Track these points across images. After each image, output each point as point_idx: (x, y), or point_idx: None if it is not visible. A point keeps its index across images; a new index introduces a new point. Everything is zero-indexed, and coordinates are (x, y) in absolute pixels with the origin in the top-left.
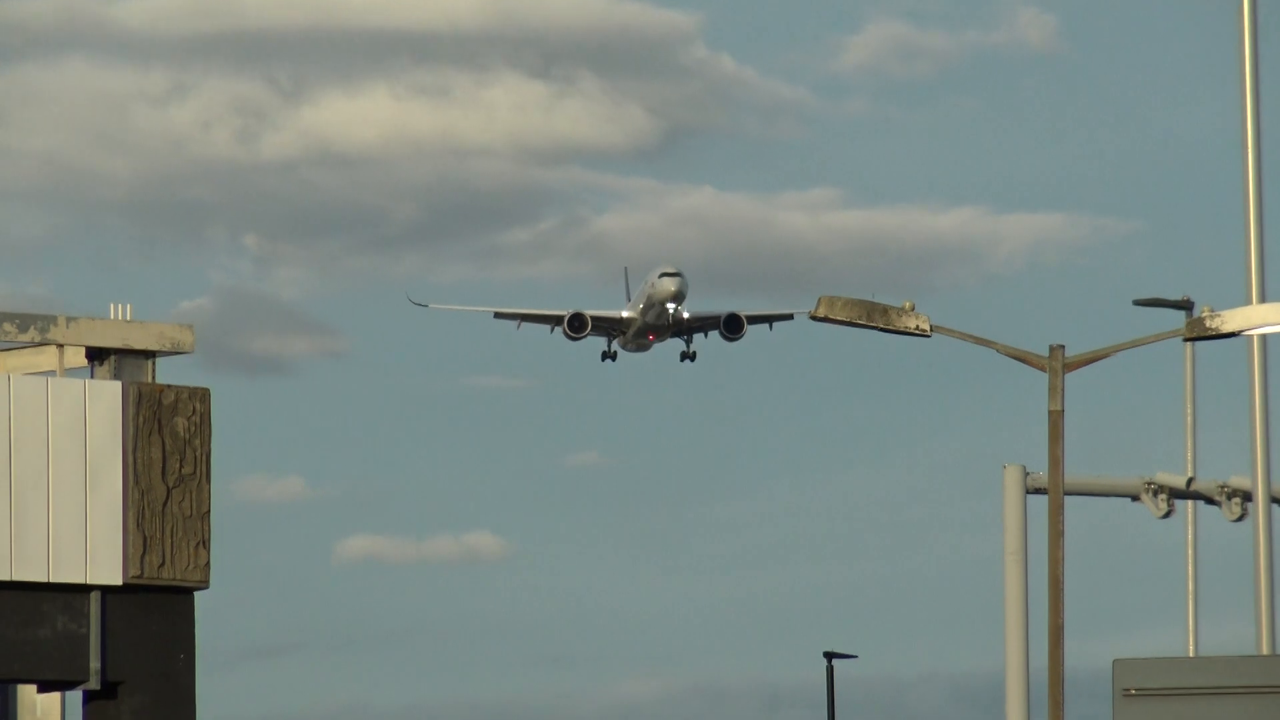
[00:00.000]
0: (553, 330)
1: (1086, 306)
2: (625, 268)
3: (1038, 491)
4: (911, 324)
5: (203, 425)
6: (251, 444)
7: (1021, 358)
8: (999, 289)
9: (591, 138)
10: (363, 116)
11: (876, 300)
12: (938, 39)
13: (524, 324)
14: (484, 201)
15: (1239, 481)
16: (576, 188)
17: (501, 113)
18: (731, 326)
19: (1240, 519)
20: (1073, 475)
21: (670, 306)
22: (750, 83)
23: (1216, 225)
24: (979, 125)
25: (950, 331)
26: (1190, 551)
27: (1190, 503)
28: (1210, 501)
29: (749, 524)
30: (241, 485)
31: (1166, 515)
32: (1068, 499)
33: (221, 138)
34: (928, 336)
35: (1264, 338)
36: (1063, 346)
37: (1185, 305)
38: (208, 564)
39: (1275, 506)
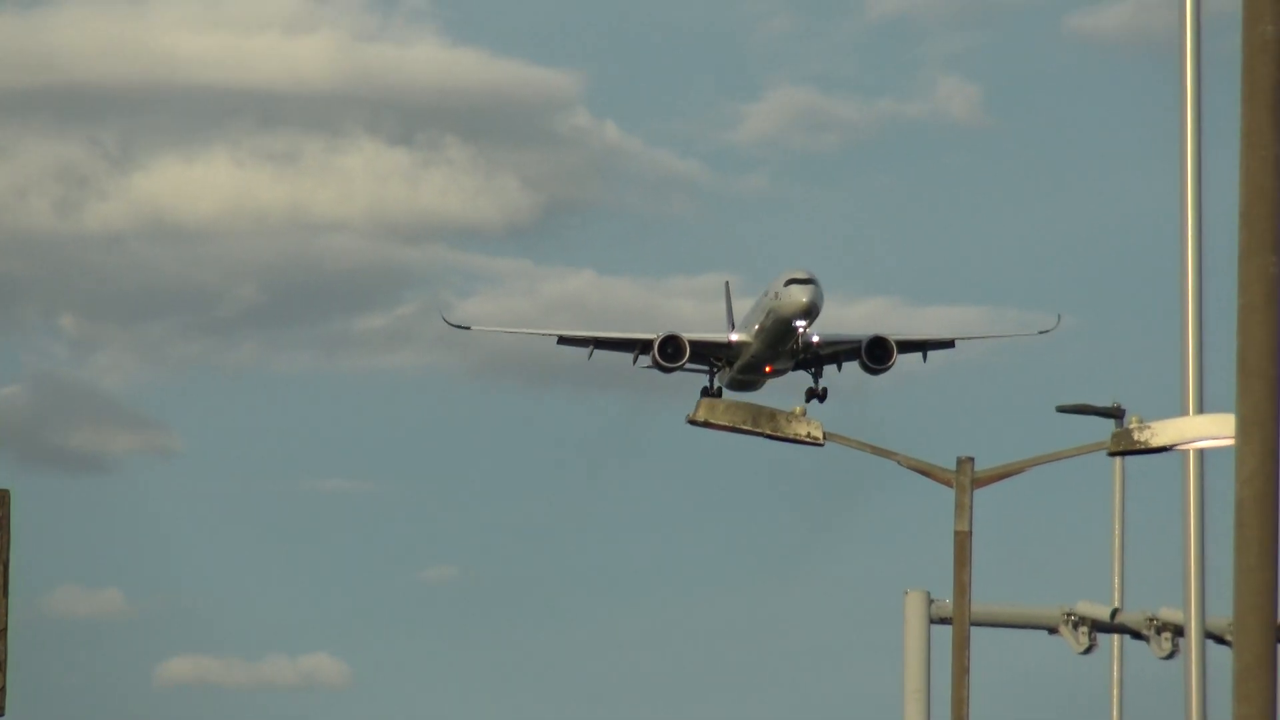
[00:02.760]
0: (635, 361)
1: (1008, 412)
2: (726, 282)
3: (943, 621)
4: (802, 431)
5: (0, 530)
6: (64, 551)
7: (926, 471)
8: (911, 391)
9: (458, 212)
10: (200, 185)
11: (765, 405)
12: (847, 108)
13: (597, 351)
14: (334, 282)
15: (1169, 614)
16: (440, 268)
17: (357, 183)
18: (876, 355)
19: (1170, 656)
20: (982, 603)
21: (800, 325)
22: (637, 154)
23: (1153, 322)
24: (893, 205)
25: (846, 440)
26: (1115, 691)
27: (1115, 637)
28: (1137, 636)
29: (622, 649)
30: (51, 598)
31: (1088, 650)
32: (976, 630)
33: (39, 206)
34: (820, 445)
35: (1200, 453)
36: (971, 459)
37: (1115, 413)
38: (3, 688)
39: (1210, 643)
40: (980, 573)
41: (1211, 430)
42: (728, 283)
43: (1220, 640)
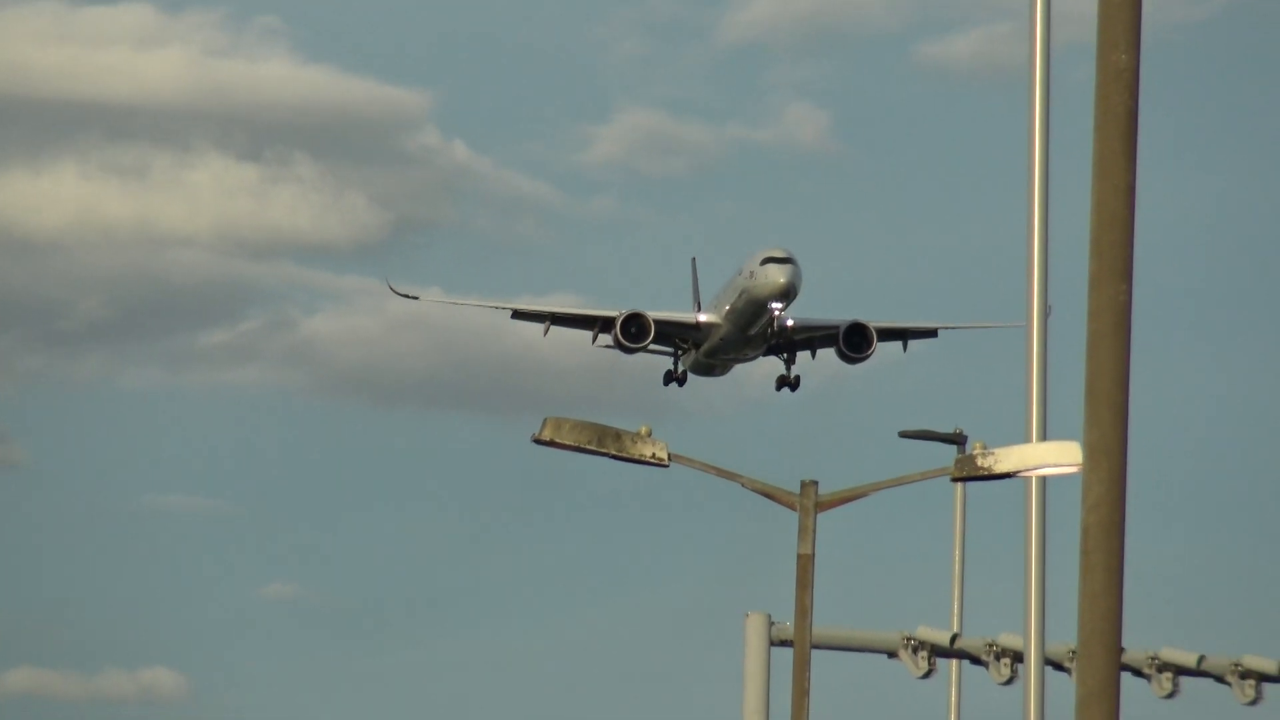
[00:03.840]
0: (595, 340)
1: (854, 436)
2: (693, 258)
3: (784, 644)
4: (647, 451)
5: None
6: None
7: (769, 494)
8: (757, 413)
9: (306, 229)
10: (47, 197)
11: (610, 424)
12: (696, 132)
13: (554, 327)
14: (180, 297)
15: (1009, 640)
16: (286, 285)
17: (206, 198)
18: (854, 342)
19: (1009, 682)
20: (823, 627)
21: (775, 307)
22: (486, 174)
23: (999, 348)
24: (740, 229)
25: (690, 461)
26: (953, 716)
27: (954, 662)
28: (977, 661)
29: (460, 669)
30: None
31: (927, 675)
32: (817, 653)
33: None
34: (665, 466)
35: (1043, 480)
36: (815, 483)
37: (958, 439)
38: None
39: (1048, 670)
40: (822, 596)
41: (1054, 458)
42: (694, 259)
43: (1059, 667)
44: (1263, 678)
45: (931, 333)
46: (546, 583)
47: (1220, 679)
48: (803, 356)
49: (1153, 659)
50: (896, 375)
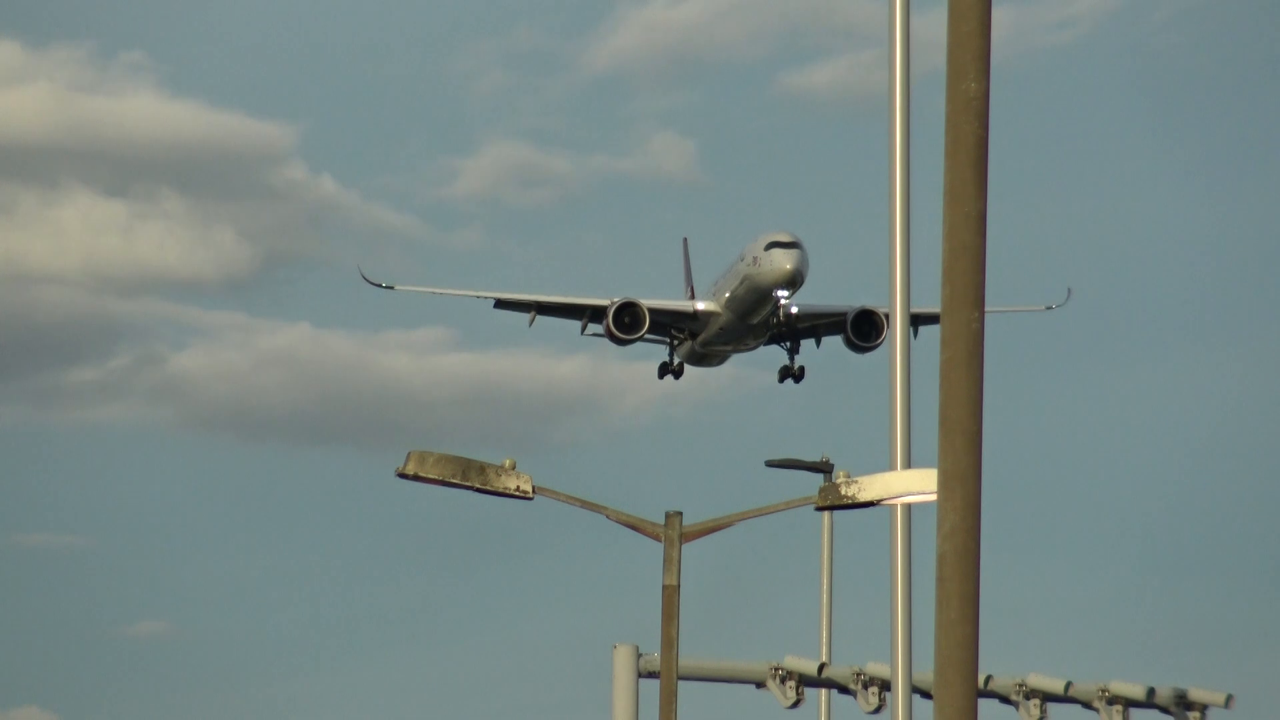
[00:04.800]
0: (584, 329)
1: (723, 465)
2: (685, 238)
3: (651, 675)
4: (512, 484)
5: None
6: None
7: (635, 525)
8: (625, 444)
9: (174, 265)
10: None
11: (475, 457)
12: (561, 163)
13: (540, 317)
14: (47, 335)
15: (876, 668)
16: (154, 321)
17: (73, 235)
18: (862, 330)
19: (877, 710)
20: (691, 658)
21: (782, 295)
22: (353, 207)
23: (866, 376)
24: (607, 259)
25: (555, 494)
26: None
27: (823, 691)
28: (844, 690)
29: (329, 704)
30: None
31: (795, 705)
32: (685, 684)
33: None
34: (530, 499)
35: (908, 508)
36: (680, 514)
37: (824, 468)
38: None
39: (916, 697)
40: (689, 627)
41: (917, 485)
42: (685, 240)
43: (926, 695)
44: (1129, 703)
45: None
46: (414, 617)
47: (1088, 705)
48: (775, 353)
49: (1020, 686)
50: (765, 404)
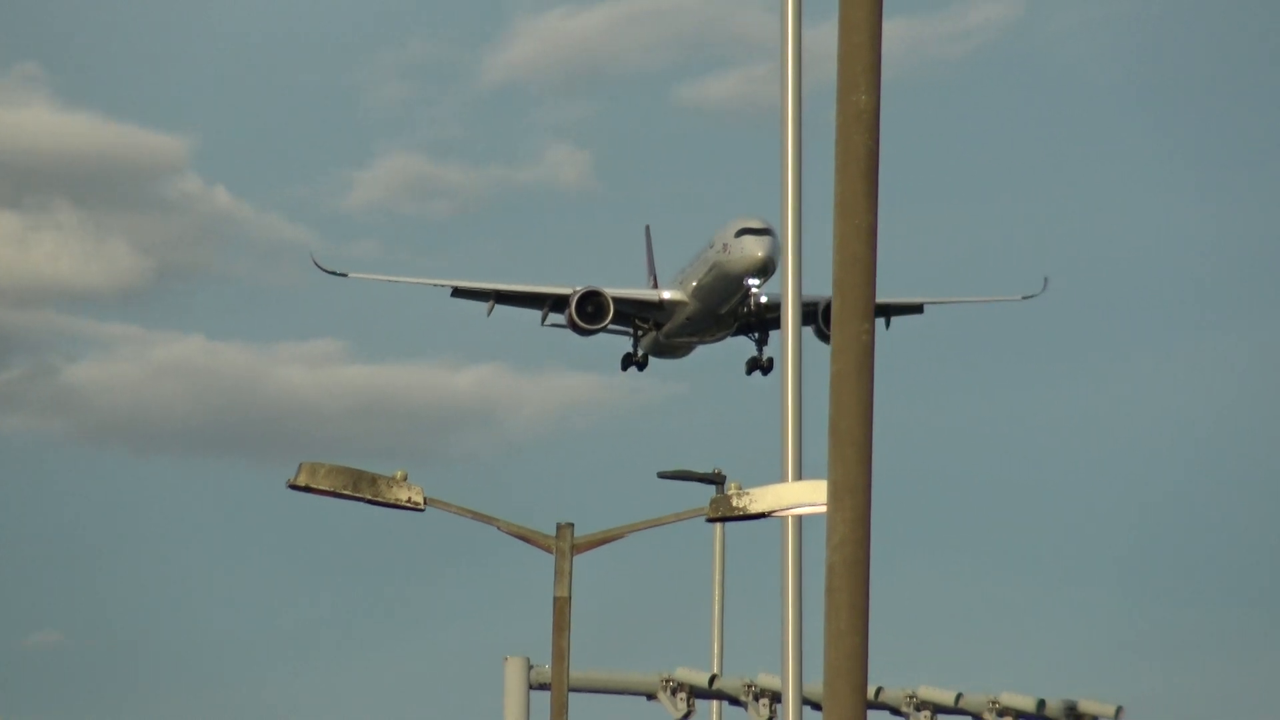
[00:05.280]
0: (544, 320)
1: (617, 478)
2: (647, 225)
3: (542, 687)
4: (403, 496)
5: None
6: None
7: (526, 536)
8: (519, 456)
9: (68, 277)
10: None
11: (368, 469)
12: (457, 174)
13: (499, 306)
14: None
15: (768, 680)
16: (49, 333)
17: None
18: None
19: None
20: (582, 669)
21: (753, 284)
22: (247, 219)
23: (758, 389)
24: (503, 271)
25: (446, 505)
26: None
27: (714, 702)
28: (735, 702)
29: (225, 715)
30: None
31: (686, 716)
32: (576, 696)
33: None
34: (421, 510)
35: (799, 519)
36: (571, 525)
37: (716, 479)
38: None
39: (808, 709)
40: (581, 638)
41: (808, 497)
42: (648, 227)
43: (817, 706)
44: (1020, 715)
45: (917, 308)
46: (306, 629)
47: (978, 717)
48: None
49: (910, 697)
50: (660, 416)
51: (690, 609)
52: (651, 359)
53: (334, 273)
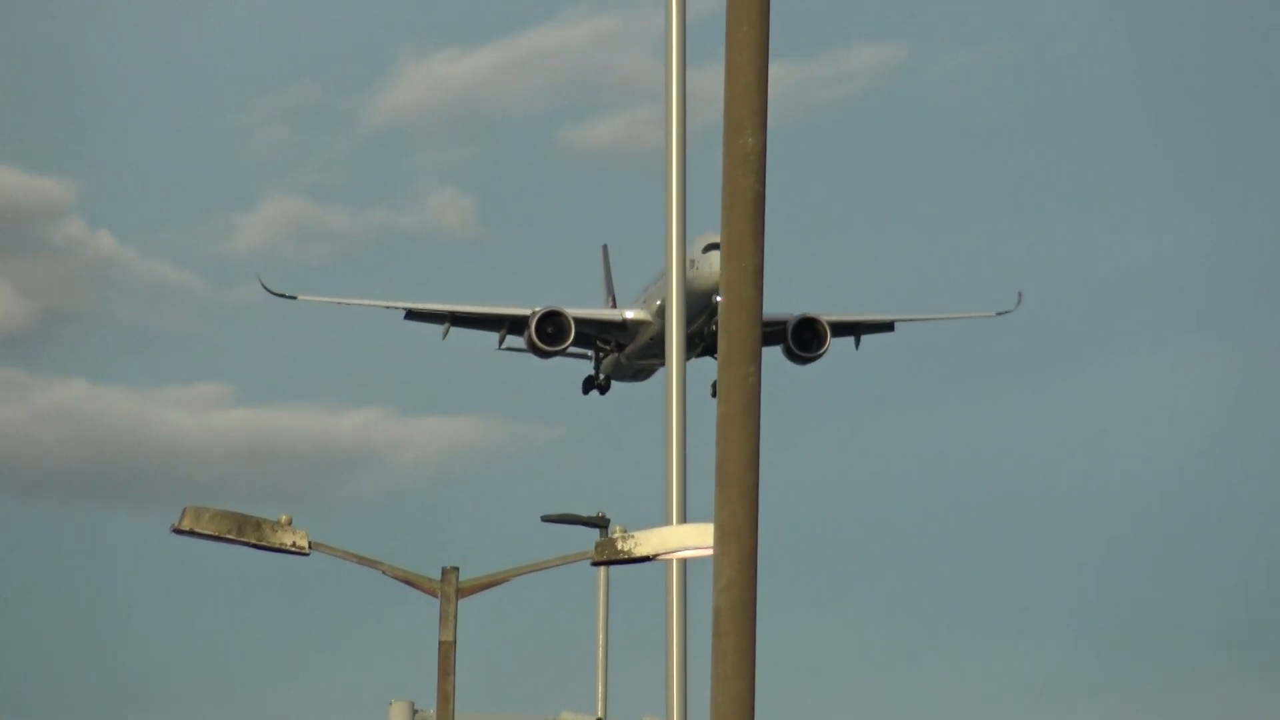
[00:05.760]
0: (501, 343)
1: (501, 521)
2: (605, 245)
3: None
4: (288, 540)
5: None
6: None
7: (411, 580)
8: (403, 501)
9: None
10: None
11: (252, 513)
12: (341, 219)
13: (455, 328)
14: None
15: None
16: None
17: None
18: (803, 339)
19: None
20: (467, 713)
21: (720, 301)
22: (131, 264)
23: (642, 433)
24: (386, 316)
25: (331, 549)
26: None
27: None
28: None
29: None
30: None
31: None
32: None
33: None
34: (306, 555)
35: (684, 562)
36: (456, 569)
37: (600, 523)
38: None
39: None
40: (466, 682)
41: (693, 540)
42: (605, 246)
43: None
44: None
45: (888, 326)
46: (190, 674)
47: None
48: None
49: None
50: (545, 459)
51: (575, 653)
52: (614, 383)
53: (282, 295)
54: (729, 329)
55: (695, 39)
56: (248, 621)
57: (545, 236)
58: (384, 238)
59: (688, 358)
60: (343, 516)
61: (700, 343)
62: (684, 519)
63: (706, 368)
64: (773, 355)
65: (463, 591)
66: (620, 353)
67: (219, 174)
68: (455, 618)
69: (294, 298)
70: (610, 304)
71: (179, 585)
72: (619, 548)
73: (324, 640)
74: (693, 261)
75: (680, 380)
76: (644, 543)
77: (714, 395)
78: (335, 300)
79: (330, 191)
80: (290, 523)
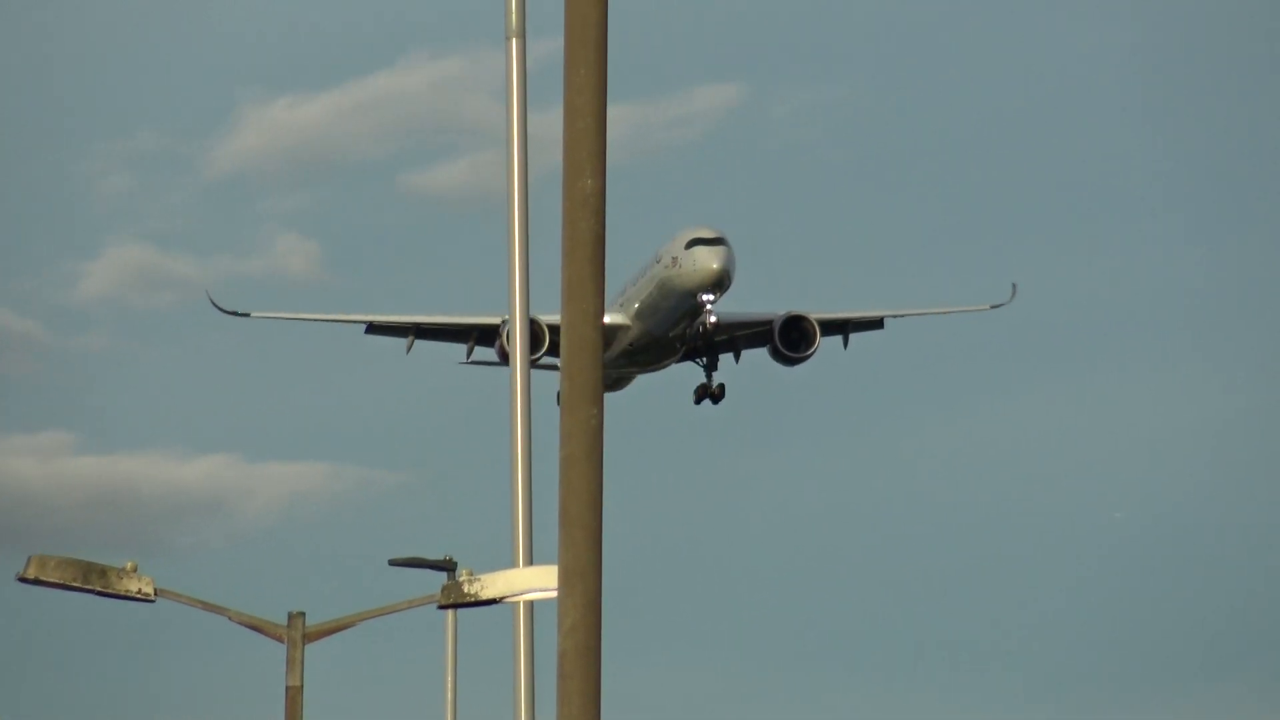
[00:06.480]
0: (469, 354)
1: (349, 566)
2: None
3: None
4: (133, 587)
5: None
6: None
7: (257, 626)
8: (251, 547)
9: None
10: None
11: (98, 561)
12: (185, 265)
13: (420, 341)
14: None
15: None
16: None
17: None
18: (791, 339)
19: None
20: None
21: (707, 300)
22: None
23: (487, 477)
24: (233, 362)
25: (177, 596)
26: None
27: None
28: None
29: None
30: None
31: None
32: None
33: None
34: (152, 601)
35: (531, 605)
36: (302, 614)
37: (448, 566)
38: None
39: None
40: None
41: (539, 582)
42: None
43: None
44: None
45: (878, 323)
46: None
47: None
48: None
49: None
50: (391, 503)
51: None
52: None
53: (234, 313)
54: (570, 371)
55: (536, 82)
56: (95, 670)
57: (390, 280)
58: (230, 284)
59: (666, 364)
60: (190, 564)
61: (680, 347)
62: (531, 561)
63: (685, 376)
64: (757, 358)
65: (309, 636)
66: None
67: (62, 222)
68: (302, 663)
69: (247, 315)
70: None
71: (25, 634)
72: (465, 591)
73: (172, 688)
74: (675, 259)
75: (525, 422)
76: (490, 585)
77: (698, 401)
78: (289, 316)
79: (175, 238)
80: (136, 569)
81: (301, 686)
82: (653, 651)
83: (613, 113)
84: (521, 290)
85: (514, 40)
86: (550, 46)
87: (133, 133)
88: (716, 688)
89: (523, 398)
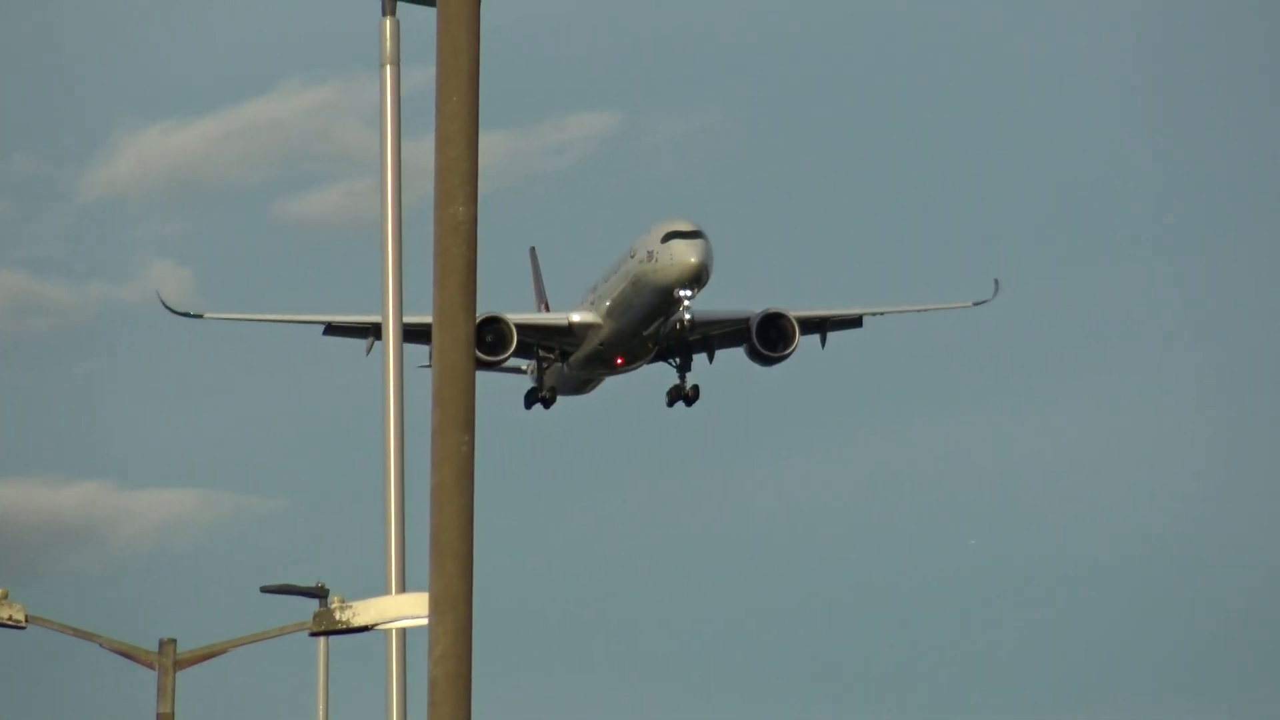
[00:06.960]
0: (432, 356)
1: (223, 593)
2: (533, 247)
3: None
4: (4, 614)
5: None
6: None
7: (128, 653)
8: (125, 573)
9: None
10: None
11: None
12: (58, 292)
13: (377, 343)
14: None
15: None
16: None
17: None
18: (769, 337)
19: None
20: None
21: (684, 295)
22: None
23: (362, 503)
24: (106, 389)
25: (48, 622)
26: None
27: None
28: None
29: None
30: None
31: None
32: None
33: None
34: (22, 628)
35: (404, 632)
36: (174, 641)
37: (320, 593)
38: None
39: None
40: None
41: (411, 609)
42: (533, 249)
43: None
44: None
45: (856, 321)
46: None
47: None
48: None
49: None
50: (265, 531)
51: None
52: (559, 395)
53: (187, 314)
54: (441, 397)
55: (410, 110)
56: None
57: (263, 307)
58: (103, 311)
59: (637, 365)
60: (62, 591)
61: (654, 347)
62: (403, 588)
63: (658, 377)
64: (732, 357)
65: (180, 663)
66: (564, 361)
67: None
68: (173, 690)
69: (200, 316)
70: (542, 310)
71: None
72: (337, 618)
73: (42, 716)
74: (650, 253)
75: (398, 447)
76: (362, 613)
77: (670, 404)
78: (245, 317)
79: (48, 264)
80: (6, 596)
81: (173, 714)
82: (627, 658)
83: (486, 140)
84: (396, 317)
85: (388, 67)
86: (424, 74)
87: (7, 157)
88: (667, 697)
89: (396, 423)
